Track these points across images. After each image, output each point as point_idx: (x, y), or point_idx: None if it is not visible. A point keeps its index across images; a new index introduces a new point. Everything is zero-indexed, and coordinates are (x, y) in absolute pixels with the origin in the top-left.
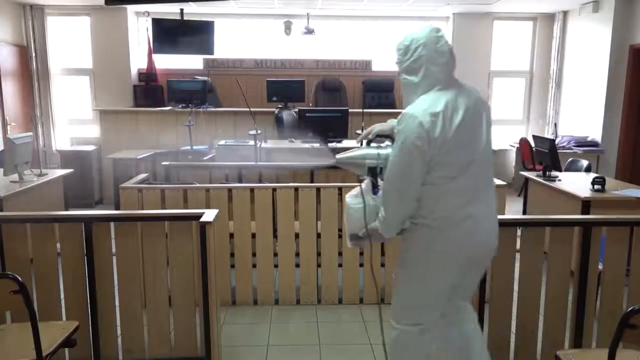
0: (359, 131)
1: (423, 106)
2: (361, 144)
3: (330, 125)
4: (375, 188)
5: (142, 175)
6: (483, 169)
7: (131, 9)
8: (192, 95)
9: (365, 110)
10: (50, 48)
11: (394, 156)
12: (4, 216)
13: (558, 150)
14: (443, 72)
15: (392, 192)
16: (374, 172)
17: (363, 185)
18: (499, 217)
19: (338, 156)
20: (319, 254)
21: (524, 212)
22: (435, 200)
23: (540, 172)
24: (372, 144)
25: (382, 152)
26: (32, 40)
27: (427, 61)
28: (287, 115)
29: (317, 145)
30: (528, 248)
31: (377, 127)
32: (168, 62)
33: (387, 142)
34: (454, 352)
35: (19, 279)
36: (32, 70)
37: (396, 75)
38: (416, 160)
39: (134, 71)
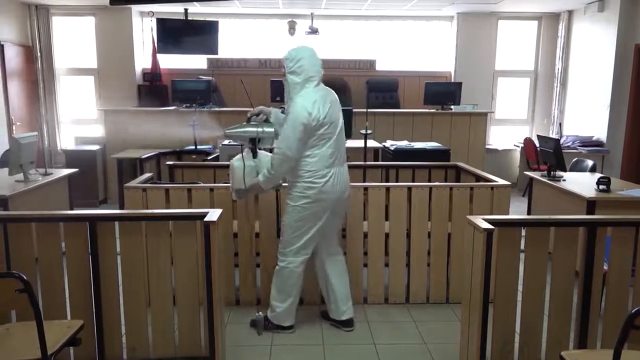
0: (362, 130)
1: (307, 97)
2: (247, 122)
3: None
4: (254, 154)
5: (147, 175)
6: (341, 141)
7: (136, 9)
8: (196, 95)
9: (369, 109)
10: (55, 48)
11: (285, 131)
12: (9, 215)
13: (563, 150)
14: (317, 77)
15: (280, 156)
16: (254, 142)
17: (244, 152)
18: (503, 217)
19: (226, 130)
20: None
21: (529, 212)
22: (312, 162)
23: (545, 172)
24: (252, 122)
25: (260, 128)
26: (37, 40)
27: (307, 68)
28: None
29: None
30: (532, 248)
31: (259, 109)
32: (172, 62)
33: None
34: (321, 277)
35: (24, 277)
36: (37, 70)
37: (283, 76)
38: (300, 134)
39: (138, 71)
